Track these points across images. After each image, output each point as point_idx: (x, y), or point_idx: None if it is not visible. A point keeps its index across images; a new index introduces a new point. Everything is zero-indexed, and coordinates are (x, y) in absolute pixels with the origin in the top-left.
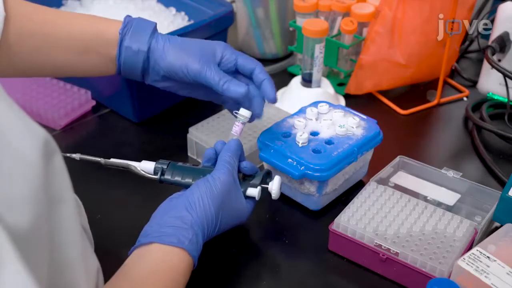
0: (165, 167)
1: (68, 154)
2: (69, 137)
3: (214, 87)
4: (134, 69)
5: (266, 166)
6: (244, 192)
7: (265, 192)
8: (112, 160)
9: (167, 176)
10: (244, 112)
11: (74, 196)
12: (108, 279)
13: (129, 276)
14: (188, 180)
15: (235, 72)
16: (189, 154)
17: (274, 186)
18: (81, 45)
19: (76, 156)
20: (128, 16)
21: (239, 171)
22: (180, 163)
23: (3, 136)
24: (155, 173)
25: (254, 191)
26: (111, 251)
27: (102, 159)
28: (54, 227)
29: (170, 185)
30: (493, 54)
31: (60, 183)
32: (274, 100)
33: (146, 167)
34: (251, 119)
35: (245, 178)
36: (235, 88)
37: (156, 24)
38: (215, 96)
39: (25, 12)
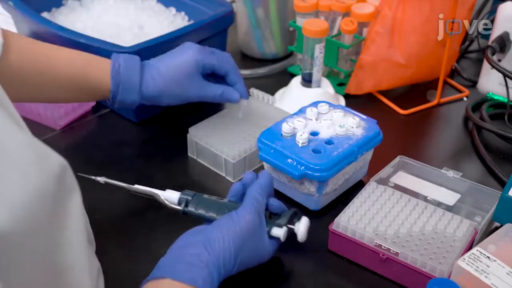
0: (190, 198)
1: (93, 177)
2: (69, 137)
3: (213, 101)
4: (129, 110)
5: (266, 166)
6: (269, 231)
7: (291, 233)
8: (137, 186)
9: (191, 208)
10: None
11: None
12: (107, 280)
13: None
14: (212, 214)
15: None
16: (189, 154)
17: (301, 228)
18: (73, 88)
19: (101, 179)
20: (114, 62)
21: (266, 208)
22: (205, 195)
23: None
24: (179, 203)
25: (279, 232)
26: (111, 252)
27: (126, 185)
28: (59, 231)
29: (193, 217)
30: (493, 54)
31: (68, 190)
32: (247, 97)
33: (170, 196)
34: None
35: (271, 216)
36: (231, 96)
37: (139, 60)
38: None
39: (24, 45)
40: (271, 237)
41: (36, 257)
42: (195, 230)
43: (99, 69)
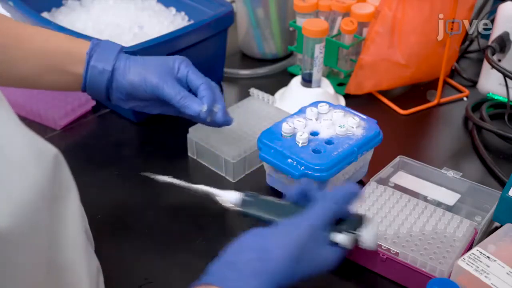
0: (253, 200)
1: (152, 176)
2: (69, 137)
3: (171, 101)
4: (98, 87)
5: (266, 166)
6: (332, 238)
7: (356, 240)
8: (197, 186)
9: (252, 211)
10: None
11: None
12: (107, 280)
13: None
14: (272, 217)
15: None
16: (189, 154)
17: (369, 236)
18: (49, 63)
19: (162, 178)
20: (96, 39)
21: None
22: (264, 197)
23: None
24: (240, 204)
25: (344, 239)
26: (111, 251)
27: (188, 184)
28: (56, 229)
29: (249, 217)
30: (493, 54)
31: (64, 185)
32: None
33: (231, 197)
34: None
35: (337, 222)
36: (191, 104)
37: (122, 46)
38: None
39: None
40: (334, 244)
41: (35, 256)
42: (252, 233)
43: (78, 44)
